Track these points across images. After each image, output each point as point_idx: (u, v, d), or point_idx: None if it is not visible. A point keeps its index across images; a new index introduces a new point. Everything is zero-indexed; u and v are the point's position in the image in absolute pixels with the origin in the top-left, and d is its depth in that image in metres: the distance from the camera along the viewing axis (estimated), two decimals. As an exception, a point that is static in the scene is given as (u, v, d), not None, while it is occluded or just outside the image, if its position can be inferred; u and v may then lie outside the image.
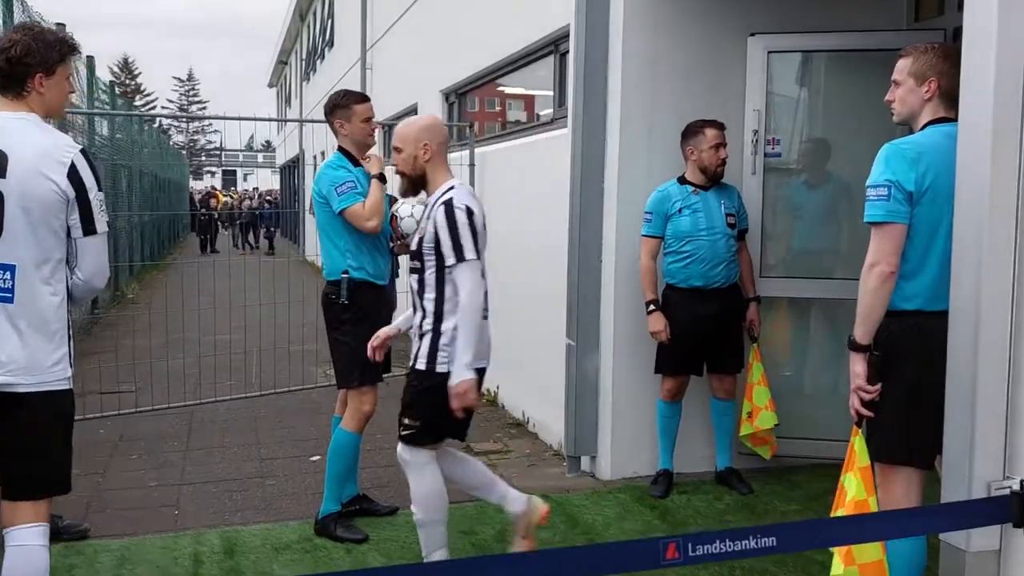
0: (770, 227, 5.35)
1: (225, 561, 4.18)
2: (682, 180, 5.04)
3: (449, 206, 3.61)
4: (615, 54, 5.21)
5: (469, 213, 3.61)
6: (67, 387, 3.02)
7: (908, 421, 3.03)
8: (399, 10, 11.19)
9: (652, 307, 4.97)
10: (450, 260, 3.57)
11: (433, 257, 3.62)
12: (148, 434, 6.42)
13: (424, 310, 3.67)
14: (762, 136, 5.24)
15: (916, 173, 2.96)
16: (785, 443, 5.21)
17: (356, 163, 4.53)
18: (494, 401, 7.32)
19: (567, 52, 5.94)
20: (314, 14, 23.13)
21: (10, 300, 2.86)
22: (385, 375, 4.63)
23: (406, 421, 3.72)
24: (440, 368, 3.61)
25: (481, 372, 3.71)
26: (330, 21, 19.45)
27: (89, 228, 2.95)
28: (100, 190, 3.00)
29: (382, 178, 4.52)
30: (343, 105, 4.54)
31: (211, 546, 4.35)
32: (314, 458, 5.73)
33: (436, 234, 3.59)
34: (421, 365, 3.65)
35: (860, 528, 2.48)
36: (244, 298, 8.31)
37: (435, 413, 3.64)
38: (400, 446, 3.78)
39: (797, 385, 5.57)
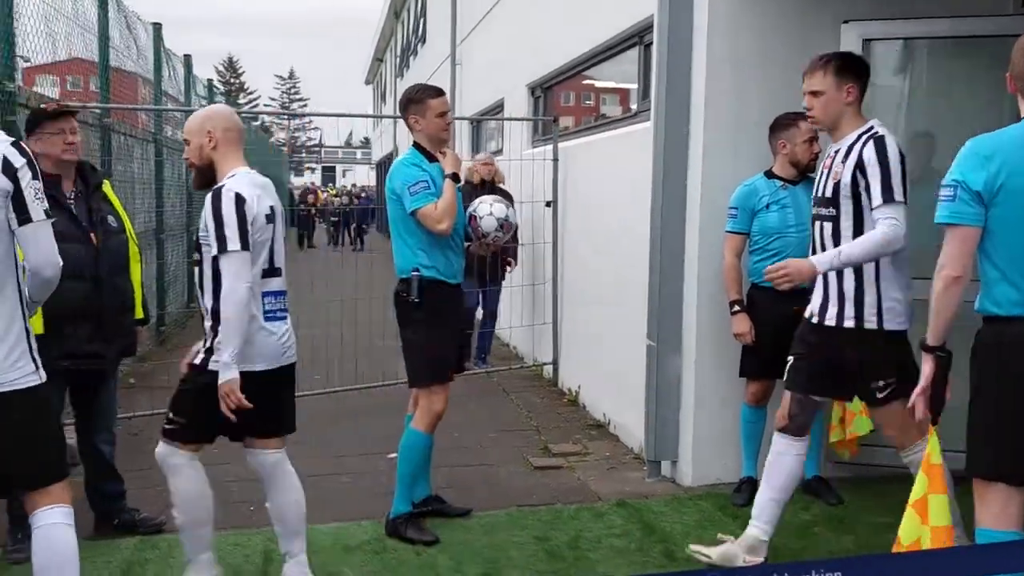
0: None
1: (295, 560, 4.15)
2: (770, 174, 4.82)
3: (217, 193, 3.44)
4: (699, 44, 5.02)
5: (239, 201, 3.39)
6: (36, 382, 3.00)
7: (997, 434, 2.80)
8: (487, 5, 11.13)
9: (736, 308, 4.77)
10: (213, 250, 3.40)
11: (208, 248, 3.45)
12: (231, 428, 6.48)
13: (204, 305, 3.54)
14: (857, 128, 4.96)
15: (987, 172, 2.77)
16: (877, 451, 4.94)
17: (431, 159, 4.45)
18: (575, 401, 7.18)
19: (651, 43, 5.76)
20: (408, 11, 23.33)
21: None
22: (457, 374, 4.55)
23: (169, 416, 3.61)
24: (212, 366, 3.45)
25: (271, 374, 3.56)
26: (422, 18, 19.57)
27: (24, 217, 2.89)
28: (36, 179, 2.94)
29: (456, 177, 4.43)
30: (418, 100, 4.46)
31: (282, 544, 4.33)
32: (390, 455, 5.67)
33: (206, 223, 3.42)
34: (196, 361, 3.53)
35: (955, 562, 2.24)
36: (327, 293, 8.36)
37: (198, 412, 3.50)
38: (159, 443, 3.66)
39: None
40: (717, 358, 5.09)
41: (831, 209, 3.73)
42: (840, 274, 3.72)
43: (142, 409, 6.67)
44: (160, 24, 10.10)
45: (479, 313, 8.47)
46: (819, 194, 3.81)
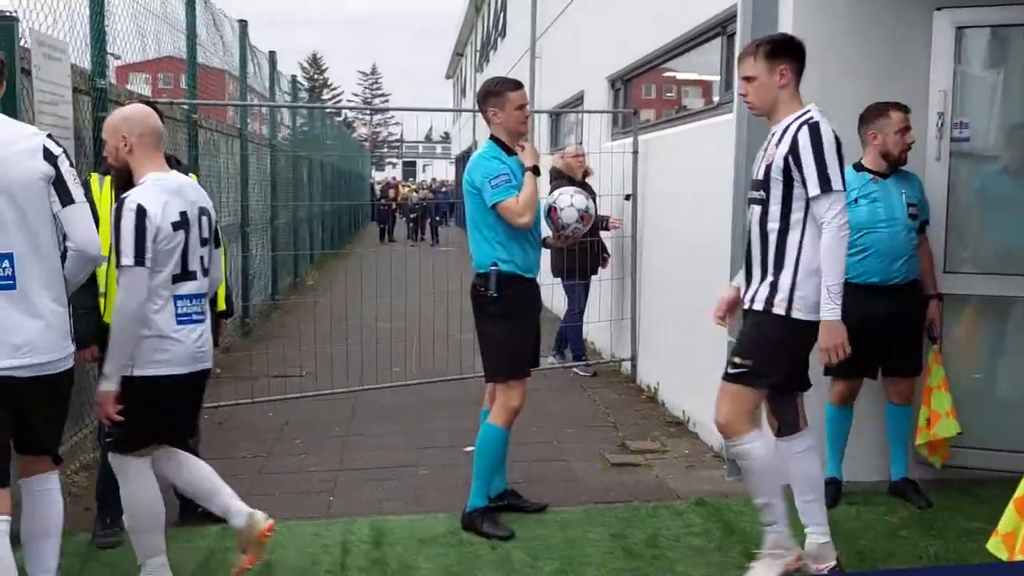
0: (956, 218, 4.88)
1: (372, 551, 4.19)
2: (859, 167, 4.67)
3: (119, 204, 3.38)
4: (784, 32, 4.88)
5: (139, 213, 3.31)
6: (73, 362, 3.27)
7: None
8: (568, -3, 11.08)
9: None
10: (117, 261, 3.38)
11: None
12: (312, 419, 6.59)
13: None
14: (948, 119, 4.79)
15: None
16: (968, 454, 4.77)
17: (509, 152, 4.43)
18: (654, 398, 7.10)
19: (735, 33, 5.64)
20: (488, 5, 23.37)
21: (13, 287, 3.02)
22: (533, 368, 4.52)
23: (106, 428, 3.60)
24: (135, 372, 3.44)
25: (180, 379, 3.50)
26: (503, 12, 19.58)
27: (67, 199, 3.11)
28: (72, 166, 3.19)
29: (536, 170, 4.40)
30: (496, 92, 4.44)
31: (360, 535, 4.38)
32: (467, 448, 5.68)
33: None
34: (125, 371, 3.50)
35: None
36: (405, 287, 8.42)
37: (135, 420, 3.46)
38: (109, 452, 3.65)
39: (983, 391, 5.06)
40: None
41: (761, 192, 3.66)
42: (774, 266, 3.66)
43: (228, 399, 6.83)
44: (246, 21, 10.30)
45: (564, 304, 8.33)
46: (753, 177, 3.76)
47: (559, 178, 7.80)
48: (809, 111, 3.64)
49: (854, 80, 4.84)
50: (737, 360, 3.69)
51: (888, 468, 4.88)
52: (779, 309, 3.62)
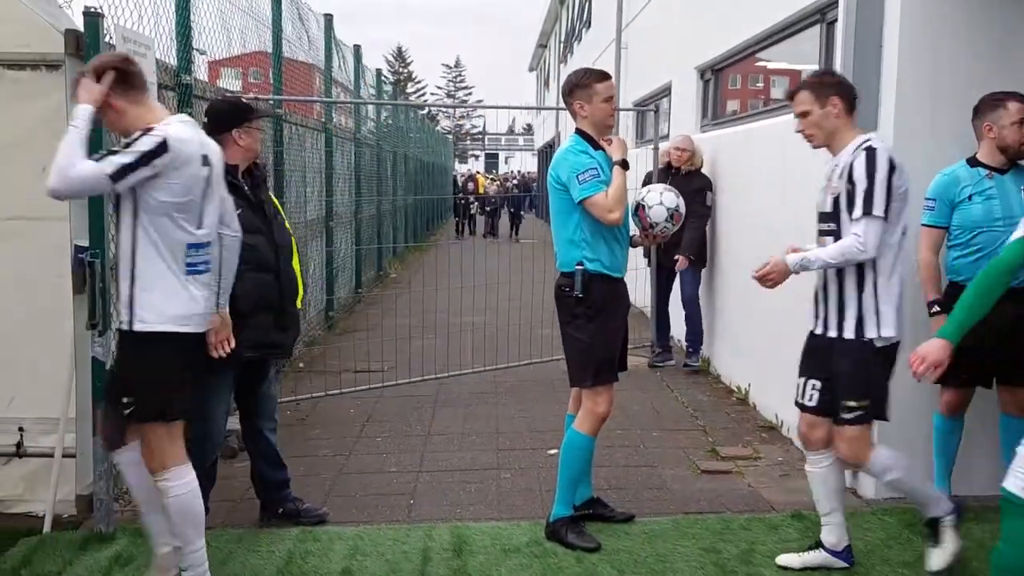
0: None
1: (453, 560, 4.07)
2: (973, 161, 4.36)
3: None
4: (891, 18, 4.59)
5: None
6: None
7: None
8: (655, -15, 10.80)
9: (936, 308, 4.34)
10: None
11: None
12: (394, 415, 6.52)
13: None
14: (1074, 107, 4.43)
15: None
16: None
17: (596, 146, 4.24)
18: (744, 400, 6.83)
19: (835, 20, 5.34)
20: (573, -4, 23.14)
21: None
22: (621, 372, 4.34)
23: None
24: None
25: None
26: (588, 3, 19.33)
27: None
28: None
29: (625, 164, 4.20)
30: (583, 85, 4.26)
31: (441, 542, 4.26)
32: (551, 451, 5.54)
33: None
34: None
35: None
36: (484, 279, 8.31)
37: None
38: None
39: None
40: (905, 361, 4.66)
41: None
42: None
43: (312, 392, 6.81)
44: (331, 15, 10.29)
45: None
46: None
47: (666, 169, 7.74)
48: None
49: (969, 68, 4.52)
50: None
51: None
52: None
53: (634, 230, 4.54)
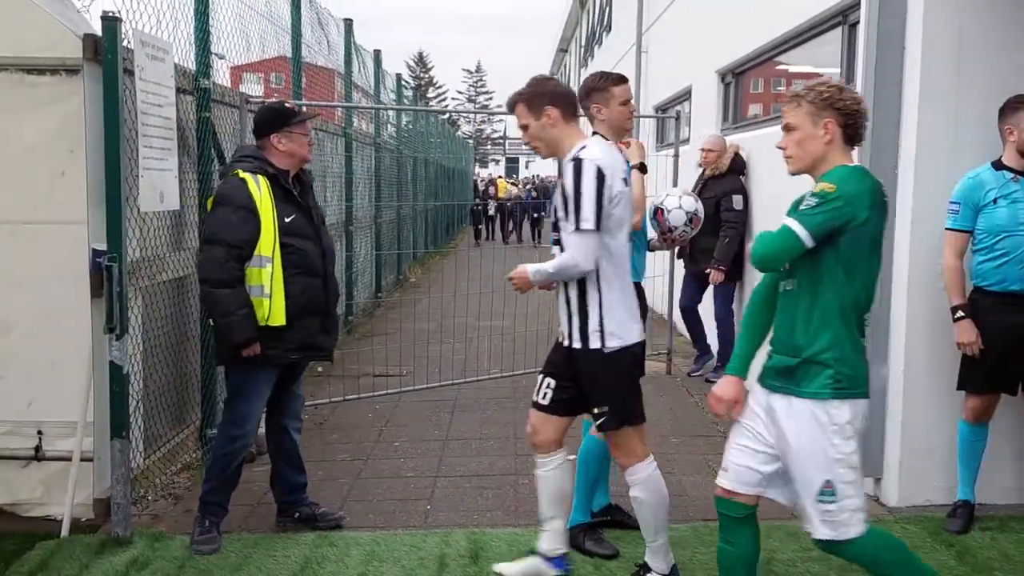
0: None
1: (470, 566, 4.04)
2: (998, 164, 4.30)
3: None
4: (914, 19, 4.54)
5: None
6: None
7: None
8: (676, -11, 10.75)
9: (960, 313, 4.27)
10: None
11: None
12: (412, 420, 6.50)
13: None
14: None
15: None
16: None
17: (615, 150, 4.20)
18: (766, 406, 6.74)
19: (857, 22, 5.28)
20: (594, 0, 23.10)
21: None
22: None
23: None
24: None
25: None
26: (608, 6, 19.29)
27: None
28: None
29: (642, 168, 4.17)
30: (600, 88, 4.21)
31: (457, 547, 4.23)
32: (570, 457, 5.48)
33: None
34: None
35: None
36: (504, 284, 8.26)
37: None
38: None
39: None
40: (930, 368, 4.61)
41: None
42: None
43: (331, 396, 6.81)
44: (351, 20, 10.31)
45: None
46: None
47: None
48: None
49: (994, 69, 4.46)
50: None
51: (1028, 492, 4.50)
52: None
53: (652, 234, 4.50)
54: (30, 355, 4.45)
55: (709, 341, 7.66)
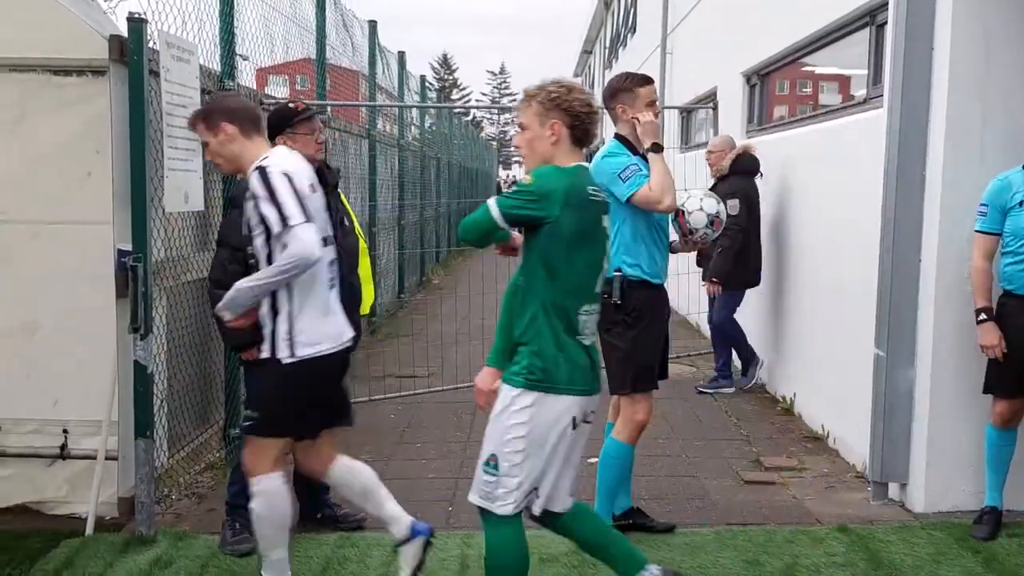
0: None
1: (490, 568, 4.02)
2: (1027, 167, 4.23)
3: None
4: (943, 19, 4.48)
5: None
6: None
7: None
8: (701, -10, 10.70)
9: (984, 316, 4.22)
10: None
11: None
12: (433, 421, 6.50)
13: None
14: None
15: None
16: None
17: (635, 151, 4.18)
18: (790, 410, 6.70)
19: (885, 23, 5.23)
20: (619, 1, 23.03)
21: None
22: (661, 380, 4.27)
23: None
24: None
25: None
26: (633, 7, 19.23)
27: None
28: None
29: (656, 147, 4.08)
30: (626, 88, 4.20)
31: (478, 549, 4.18)
32: (590, 460, 5.44)
33: None
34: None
35: None
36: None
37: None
38: None
39: None
40: (957, 371, 4.55)
41: None
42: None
43: (353, 397, 6.79)
44: (375, 22, 10.34)
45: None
46: None
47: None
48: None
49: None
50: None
51: (1057, 499, 4.43)
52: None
53: (674, 236, 4.47)
54: (56, 355, 4.48)
55: (751, 343, 7.46)
